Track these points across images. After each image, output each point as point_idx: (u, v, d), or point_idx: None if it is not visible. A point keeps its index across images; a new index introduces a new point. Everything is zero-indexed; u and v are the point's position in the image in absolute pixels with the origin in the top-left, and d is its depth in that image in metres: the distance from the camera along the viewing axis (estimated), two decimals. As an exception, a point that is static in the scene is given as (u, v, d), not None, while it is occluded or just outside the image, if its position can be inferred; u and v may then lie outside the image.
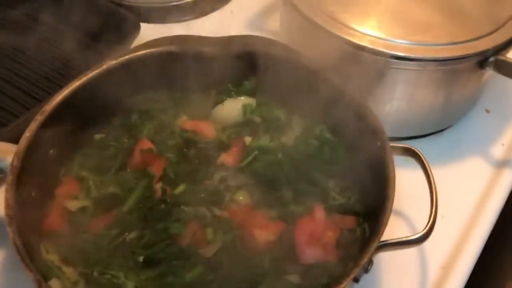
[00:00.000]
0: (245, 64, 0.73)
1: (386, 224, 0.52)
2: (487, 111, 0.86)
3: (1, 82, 0.83)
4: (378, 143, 0.61)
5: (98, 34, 0.87)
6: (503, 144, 0.82)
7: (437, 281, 0.65)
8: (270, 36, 0.96)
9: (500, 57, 0.69)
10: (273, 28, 1.00)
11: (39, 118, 0.62)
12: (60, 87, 0.78)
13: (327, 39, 0.72)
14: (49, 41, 0.90)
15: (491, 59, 0.69)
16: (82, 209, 0.63)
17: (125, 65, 0.70)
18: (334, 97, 0.67)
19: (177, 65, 0.73)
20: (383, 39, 0.69)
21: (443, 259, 0.67)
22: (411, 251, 0.68)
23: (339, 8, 0.73)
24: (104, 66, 0.69)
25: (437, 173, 0.63)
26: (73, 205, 0.63)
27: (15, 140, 0.69)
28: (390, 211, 0.54)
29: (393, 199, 0.55)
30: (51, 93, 0.79)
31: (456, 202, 0.73)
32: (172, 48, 0.72)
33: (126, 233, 0.60)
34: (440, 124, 0.81)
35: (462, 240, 0.69)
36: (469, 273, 0.66)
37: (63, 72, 0.84)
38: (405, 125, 0.79)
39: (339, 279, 0.51)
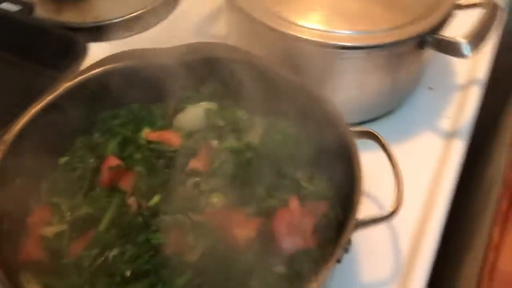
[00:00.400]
0: (201, 70, 0.75)
1: (359, 203, 0.56)
2: (430, 88, 0.92)
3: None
4: (340, 129, 0.64)
5: (47, 59, 0.86)
6: (448, 117, 0.88)
7: (410, 251, 0.70)
8: (219, 41, 1.00)
9: (437, 36, 0.74)
10: (220, 33, 1.02)
11: (1, 148, 0.61)
12: (16, 116, 0.78)
13: (276, 37, 0.75)
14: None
15: (429, 39, 0.74)
16: (59, 234, 0.62)
17: (82, 85, 0.70)
18: (291, 92, 0.70)
19: (134, 79, 0.73)
20: (329, 32, 0.73)
21: (413, 231, 0.72)
22: (382, 229, 0.72)
23: (283, 7, 0.76)
24: (61, 89, 0.68)
25: (393, 152, 0.67)
26: (48, 231, 0.62)
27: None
28: (361, 190, 0.57)
29: (362, 179, 0.58)
30: (6, 125, 0.78)
31: (415, 176, 0.77)
32: (128, 62, 0.72)
33: (107, 251, 0.60)
34: (389, 106, 0.86)
35: (426, 210, 0.74)
36: (439, 240, 0.71)
37: (16, 102, 0.82)
38: (357, 111, 0.83)
39: (323, 261, 0.54)
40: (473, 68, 0.95)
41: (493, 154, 0.99)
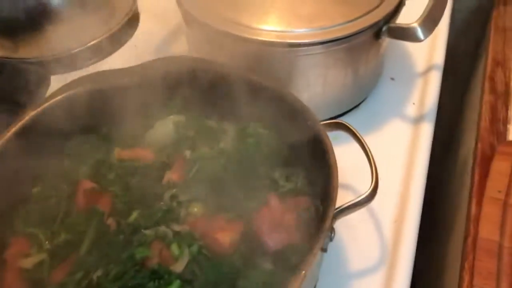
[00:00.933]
0: (165, 84, 0.75)
1: (337, 188, 0.56)
2: (392, 78, 0.95)
3: None
4: (309, 122, 0.65)
5: (7, 95, 0.84)
6: (414, 103, 0.90)
7: (393, 235, 0.70)
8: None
9: (391, 25, 0.77)
10: (181, 50, 1.02)
11: (-31, 184, 0.60)
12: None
13: (234, 43, 0.76)
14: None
15: (384, 28, 0.76)
16: (39, 264, 0.61)
17: (46, 113, 0.69)
18: (256, 94, 0.71)
19: (98, 102, 0.73)
20: (286, 32, 0.74)
21: (393, 215, 0.73)
22: (365, 216, 0.73)
23: (239, 13, 0.77)
24: (26, 117, 0.67)
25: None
26: (28, 262, 0.61)
27: None
28: (337, 176, 0.57)
29: (336, 166, 0.59)
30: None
31: (389, 163, 0.79)
32: (91, 86, 0.72)
33: (91, 273, 0.58)
34: (355, 100, 0.88)
35: (404, 193, 0.75)
36: (418, 222, 0.72)
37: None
38: (324, 107, 0.84)
39: (309, 250, 0.54)
40: (430, 54, 0.98)
41: (464, 134, 1.01)
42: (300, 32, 0.74)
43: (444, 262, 0.81)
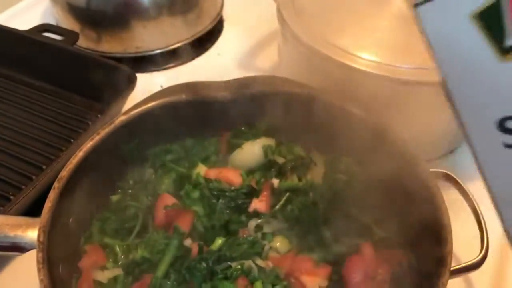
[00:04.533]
0: (255, 105, 0.71)
1: (451, 253, 0.51)
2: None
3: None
4: (417, 169, 0.60)
5: (92, 90, 0.83)
6: None
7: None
8: (264, 74, 0.97)
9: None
10: (264, 65, 0.99)
11: (57, 185, 0.57)
12: (61, 151, 0.74)
13: (339, 70, 0.71)
14: (37, 103, 0.85)
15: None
16: (113, 280, 0.58)
17: (136, 120, 0.66)
18: (353, 127, 0.66)
19: (188, 113, 0.70)
20: (398, 67, 0.69)
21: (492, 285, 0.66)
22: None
23: (347, 40, 0.72)
24: (116, 122, 0.65)
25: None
26: (103, 276, 0.58)
27: (22, 214, 0.64)
28: (451, 239, 0.52)
29: (450, 227, 0.53)
30: (52, 159, 0.74)
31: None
32: (183, 96, 0.69)
33: (167, 299, 0.55)
34: (453, 144, 0.82)
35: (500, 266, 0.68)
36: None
37: (63, 134, 0.78)
38: (420, 149, 0.78)
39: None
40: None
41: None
42: (412, 69, 0.68)
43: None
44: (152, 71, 1.02)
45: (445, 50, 0.32)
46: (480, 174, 0.36)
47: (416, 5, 0.31)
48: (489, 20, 0.30)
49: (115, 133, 0.64)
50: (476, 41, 0.31)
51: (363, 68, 0.69)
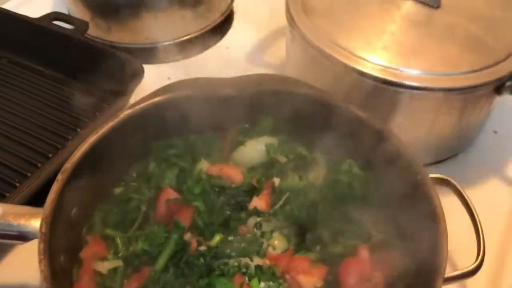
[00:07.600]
0: (261, 102, 0.71)
1: (446, 260, 0.51)
2: (495, 132, 0.88)
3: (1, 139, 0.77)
4: (416, 174, 0.60)
5: (100, 80, 0.83)
6: (515, 162, 0.83)
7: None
8: (272, 70, 0.97)
9: (516, 82, 0.70)
10: (273, 61, 0.99)
11: (61, 177, 0.58)
12: (67, 140, 0.75)
13: (345, 72, 0.71)
14: (46, 91, 0.86)
15: (508, 83, 0.70)
16: (113, 271, 0.59)
17: (141, 114, 0.67)
18: (356, 129, 0.67)
19: (194, 109, 0.70)
20: (404, 71, 0.69)
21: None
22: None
23: (354, 42, 0.72)
24: (121, 116, 0.65)
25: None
26: (104, 267, 0.59)
27: (27, 202, 0.65)
28: (447, 246, 0.52)
29: (447, 234, 0.54)
30: (58, 148, 0.75)
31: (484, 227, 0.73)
32: (190, 91, 0.69)
33: (165, 292, 0.56)
34: (454, 149, 0.82)
35: (501, 265, 0.68)
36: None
37: (69, 125, 0.80)
38: (422, 153, 0.78)
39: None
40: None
41: None
42: (418, 74, 0.68)
43: None
44: (160, 62, 1.02)
45: None
46: None
47: None
48: None
49: (120, 127, 0.65)
50: None
51: (369, 72, 0.69)
